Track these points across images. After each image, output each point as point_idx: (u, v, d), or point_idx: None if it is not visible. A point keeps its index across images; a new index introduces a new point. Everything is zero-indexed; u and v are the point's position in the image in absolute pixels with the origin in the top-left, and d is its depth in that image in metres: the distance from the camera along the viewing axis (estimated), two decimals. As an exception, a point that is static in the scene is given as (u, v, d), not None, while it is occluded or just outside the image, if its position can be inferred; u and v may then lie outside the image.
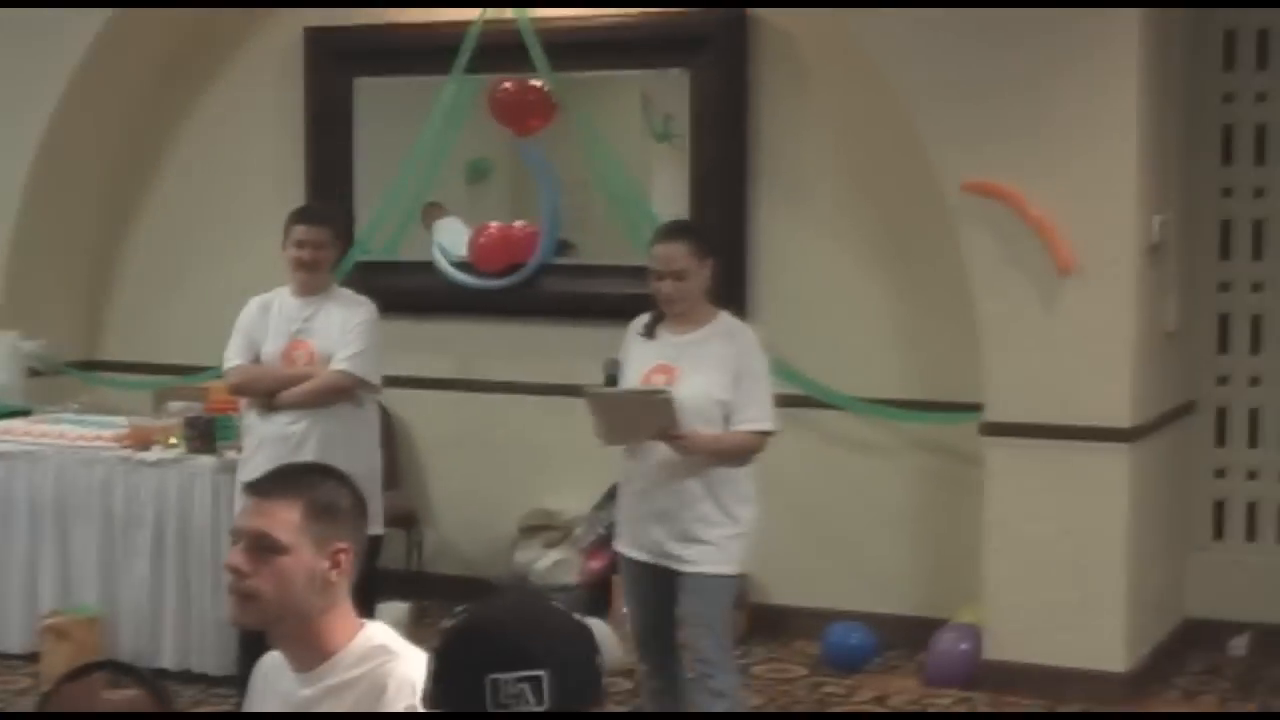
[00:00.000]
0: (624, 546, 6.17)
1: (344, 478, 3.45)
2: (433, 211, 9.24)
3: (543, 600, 2.72)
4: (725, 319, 6.13)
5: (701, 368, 5.96)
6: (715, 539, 5.96)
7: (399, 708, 3.26)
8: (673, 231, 6.25)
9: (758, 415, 5.98)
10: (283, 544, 3.26)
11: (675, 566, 5.98)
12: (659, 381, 5.94)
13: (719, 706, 5.97)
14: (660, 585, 6.03)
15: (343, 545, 3.32)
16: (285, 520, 3.27)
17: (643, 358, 6.06)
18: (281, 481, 3.38)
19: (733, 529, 5.98)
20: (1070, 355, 7.41)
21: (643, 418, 5.90)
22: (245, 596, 3.27)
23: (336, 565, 3.31)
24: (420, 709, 3.10)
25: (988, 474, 7.59)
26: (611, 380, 6.11)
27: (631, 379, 6.04)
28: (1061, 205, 7.33)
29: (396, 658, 3.34)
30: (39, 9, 9.02)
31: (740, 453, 6.01)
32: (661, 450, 5.92)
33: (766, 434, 6.03)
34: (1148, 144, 7.44)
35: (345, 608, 3.38)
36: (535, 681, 2.41)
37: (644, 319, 6.15)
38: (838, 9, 7.78)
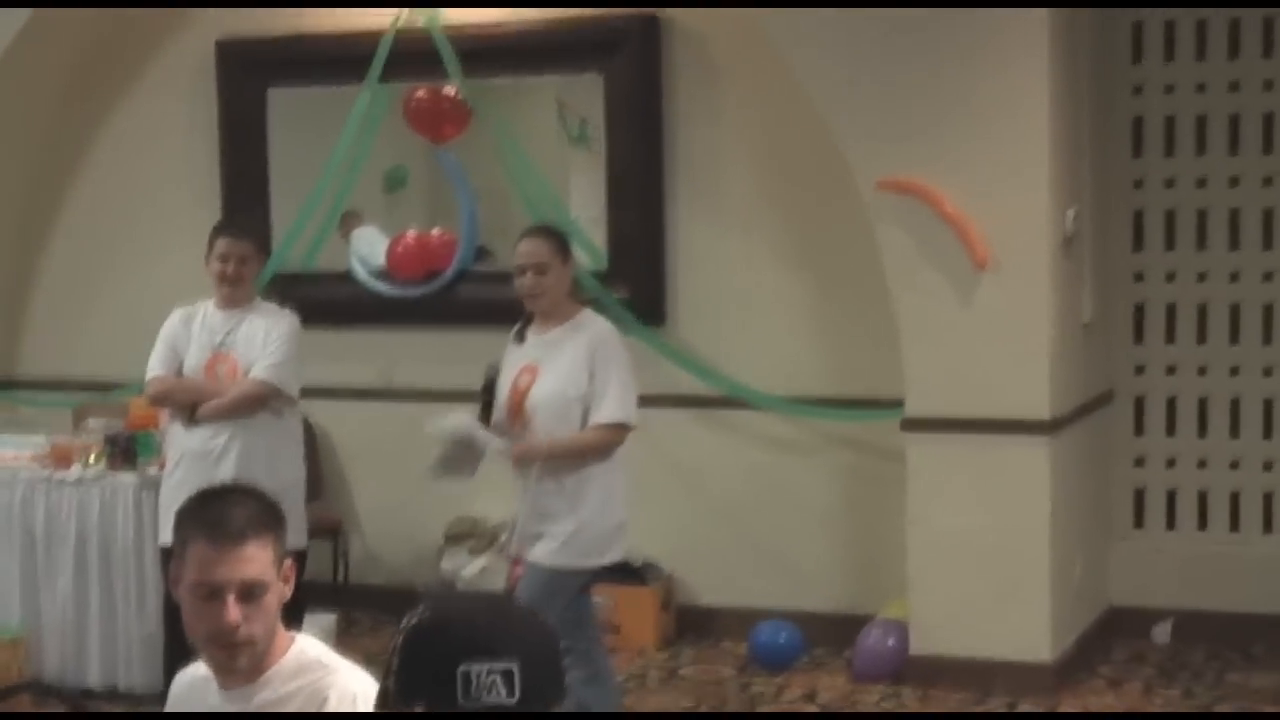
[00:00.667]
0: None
1: (266, 492, 3.44)
2: (350, 220, 9.21)
3: (502, 598, 2.71)
4: (584, 314, 6.31)
5: (558, 365, 6.14)
6: (556, 533, 6.12)
7: None
8: (535, 230, 6.52)
9: (610, 409, 6.11)
10: (266, 584, 3.24)
11: (540, 561, 6.19)
12: (525, 381, 6.13)
13: None
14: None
15: (288, 559, 3.32)
16: (263, 560, 3.25)
17: (513, 361, 6.25)
18: (246, 523, 3.28)
19: (573, 524, 6.13)
20: (988, 349, 7.45)
21: (465, 454, 6.21)
22: (242, 645, 3.25)
23: (288, 580, 3.32)
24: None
25: (909, 469, 7.63)
26: (490, 383, 6.24)
27: (503, 383, 6.22)
28: (975, 200, 7.37)
29: (334, 671, 3.32)
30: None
31: (590, 449, 6.15)
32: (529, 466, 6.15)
33: (621, 427, 6.16)
34: (1059, 137, 7.49)
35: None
36: (507, 674, 2.37)
37: (517, 326, 6.36)
38: (749, 9, 7.80)
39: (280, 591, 3.28)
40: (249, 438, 6.88)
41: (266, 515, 3.32)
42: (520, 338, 6.29)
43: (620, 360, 6.20)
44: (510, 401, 6.20)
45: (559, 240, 6.32)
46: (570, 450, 6.11)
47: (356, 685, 3.29)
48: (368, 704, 3.12)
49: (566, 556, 6.14)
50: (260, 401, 6.91)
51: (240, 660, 3.26)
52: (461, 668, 2.36)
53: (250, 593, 3.22)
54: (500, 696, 2.36)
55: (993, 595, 7.48)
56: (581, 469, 6.13)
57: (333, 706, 3.25)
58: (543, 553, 6.15)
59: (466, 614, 2.51)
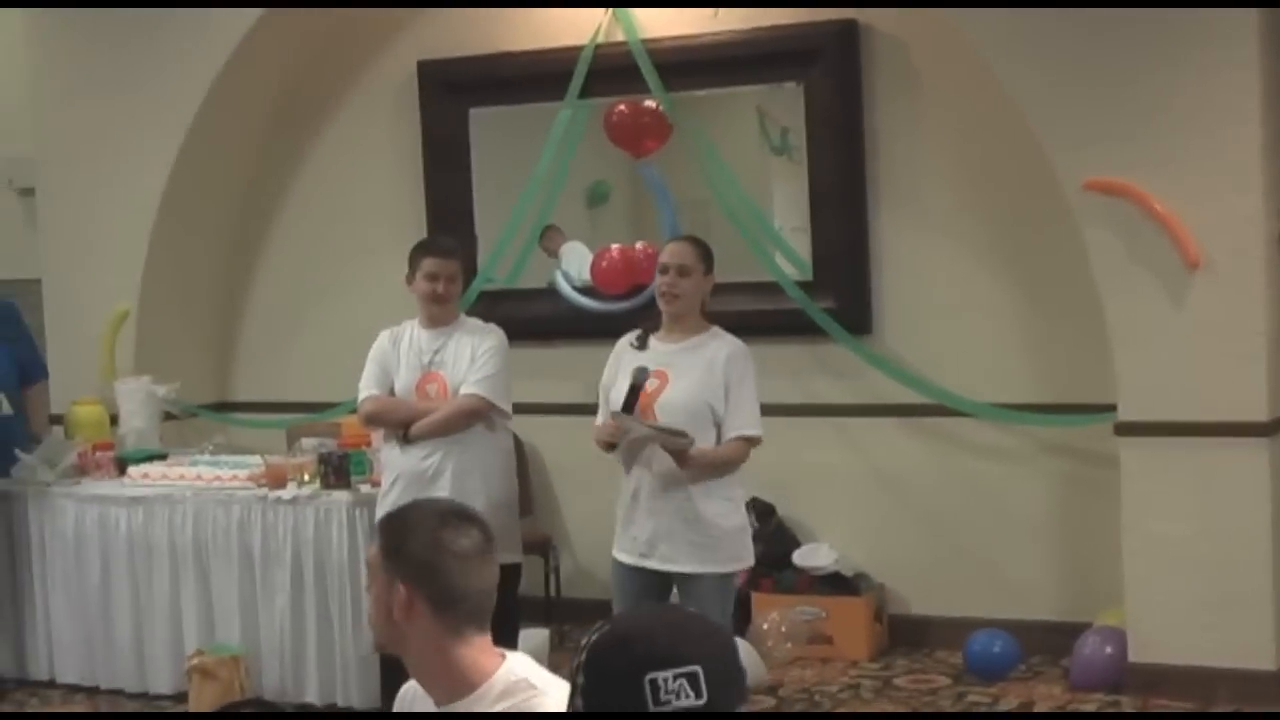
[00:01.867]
0: (618, 551, 6.41)
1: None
2: (552, 235, 9.27)
3: (675, 607, 2.78)
4: (716, 331, 6.41)
5: (693, 372, 6.23)
6: (710, 540, 6.20)
7: None
8: (684, 237, 6.70)
9: (744, 423, 6.24)
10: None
11: (669, 568, 6.24)
12: (652, 386, 6.20)
13: None
14: (651, 588, 6.26)
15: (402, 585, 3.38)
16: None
17: (632, 366, 6.27)
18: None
19: (723, 529, 6.24)
20: (1202, 351, 7.31)
21: (655, 446, 6.18)
22: None
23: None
24: None
25: (1124, 474, 7.51)
26: (636, 387, 6.22)
27: (622, 387, 6.23)
28: (1185, 198, 7.24)
29: (541, 693, 3.32)
30: (154, 67, 9.18)
31: (732, 464, 6.29)
32: (661, 460, 6.18)
33: (753, 440, 6.28)
34: (1272, 132, 7.33)
35: (484, 642, 3.38)
36: (693, 676, 2.48)
37: (635, 332, 6.47)
38: (947, 9, 7.73)
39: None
40: (462, 456, 6.95)
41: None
42: (642, 344, 6.36)
43: (753, 376, 6.33)
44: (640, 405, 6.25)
45: (705, 250, 6.43)
46: (716, 461, 6.22)
47: (558, 703, 3.29)
48: None
49: (724, 561, 6.26)
50: (475, 415, 6.98)
51: None
52: (649, 676, 2.48)
53: None
54: (690, 699, 2.48)
55: (1213, 602, 7.34)
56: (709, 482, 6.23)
57: None
58: (704, 560, 6.21)
59: (645, 627, 2.60)
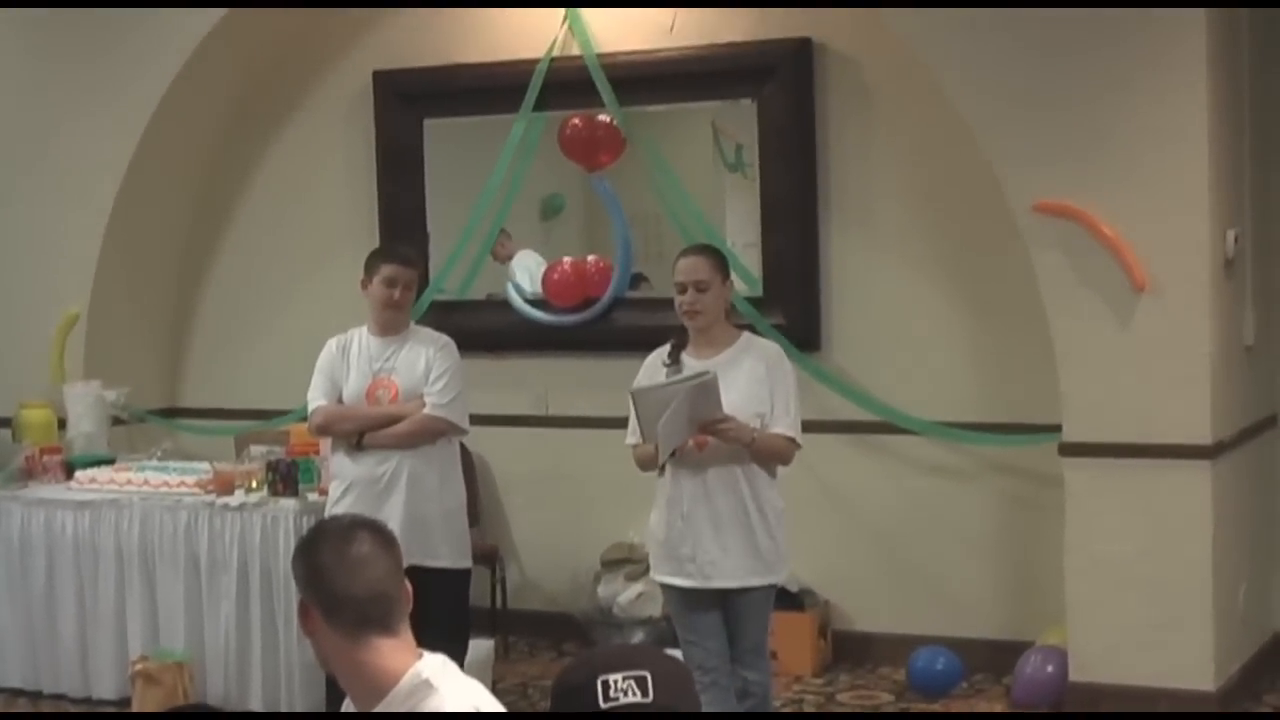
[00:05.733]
0: (667, 575, 6.28)
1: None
2: (503, 242, 9.27)
3: (645, 648, 2.96)
4: (749, 337, 6.35)
5: (738, 383, 6.12)
6: (760, 552, 6.16)
7: None
8: (695, 248, 6.51)
9: (787, 425, 6.18)
10: None
11: (727, 584, 6.15)
12: None
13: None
14: (715, 606, 6.18)
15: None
16: None
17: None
18: None
19: (767, 538, 6.18)
20: (1148, 373, 7.36)
21: (689, 408, 5.99)
22: None
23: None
24: None
25: (1068, 494, 7.54)
26: (677, 348, 6.21)
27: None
28: (1133, 221, 7.29)
29: (434, 692, 3.31)
30: (110, 69, 9.17)
31: (776, 454, 6.22)
32: (703, 473, 6.11)
33: (795, 444, 6.22)
34: (1219, 155, 7.39)
35: (391, 646, 3.40)
36: (641, 679, 2.64)
37: (664, 349, 6.32)
38: (902, 29, 7.78)
39: None
40: (417, 464, 6.97)
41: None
42: (674, 359, 6.24)
43: (793, 380, 6.28)
44: None
45: (718, 258, 6.33)
46: (769, 446, 6.15)
47: (449, 705, 3.29)
48: None
49: (771, 572, 6.24)
50: (436, 435, 7.03)
51: None
52: (600, 678, 2.65)
53: None
54: (636, 697, 2.64)
55: (1154, 622, 7.38)
56: (764, 492, 6.18)
57: None
58: (753, 572, 6.17)
59: (606, 649, 2.91)
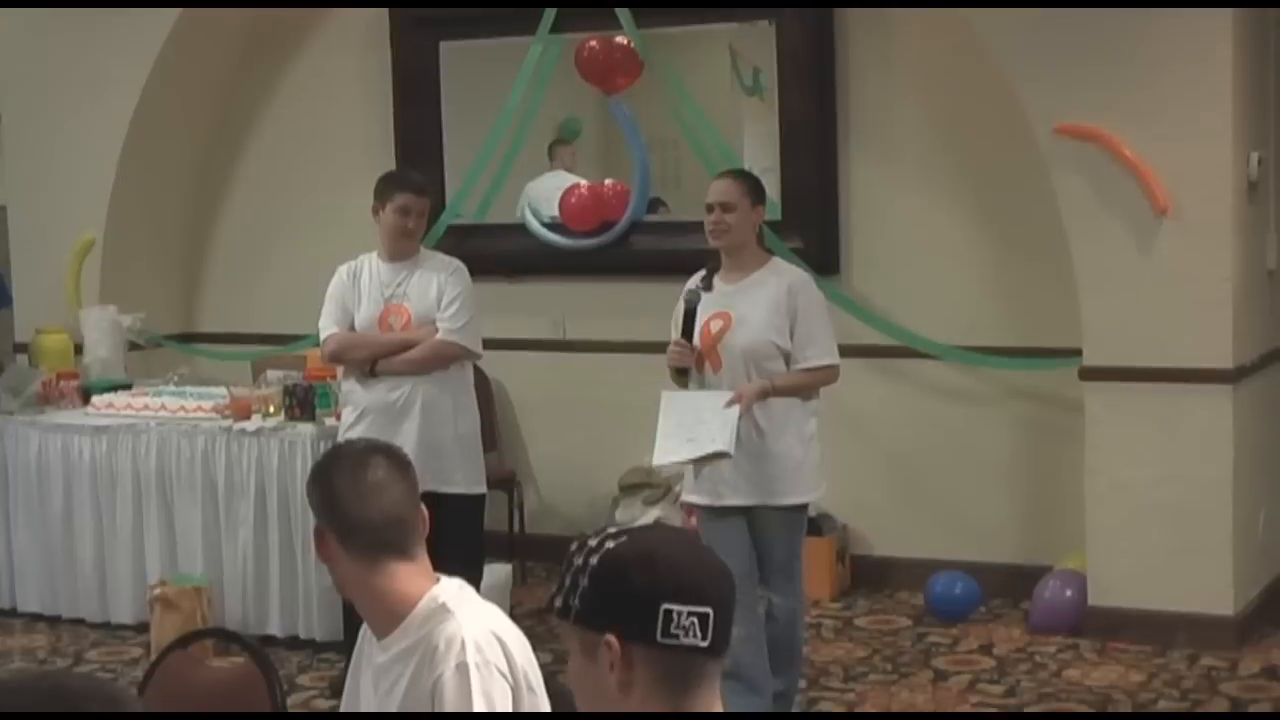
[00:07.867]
0: (691, 494, 6.36)
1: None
2: (560, 150, 9.38)
3: (697, 540, 2.80)
4: (777, 263, 6.40)
5: (757, 311, 6.18)
6: (773, 474, 6.20)
7: (449, 666, 3.25)
8: (728, 171, 6.65)
9: (818, 353, 6.22)
10: None
11: (758, 502, 6.21)
12: (717, 326, 6.17)
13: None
14: (737, 524, 6.22)
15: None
16: None
17: (701, 309, 6.21)
18: None
19: (793, 461, 6.24)
20: (1169, 297, 7.32)
21: (714, 416, 6.11)
22: None
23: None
24: (468, 661, 3.14)
25: (1088, 419, 7.52)
26: (691, 312, 6.20)
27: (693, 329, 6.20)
28: (1156, 145, 7.24)
29: (450, 616, 3.33)
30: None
31: (808, 387, 6.29)
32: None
33: (834, 368, 6.30)
34: (1242, 78, 7.32)
35: (408, 570, 3.38)
36: (704, 618, 2.50)
37: (699, 275, 6.36)
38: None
39: None
40: (431, 390, 6.95)
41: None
42: (707, 285, 6.28)
43: (821, 304, 6.31)
44: (702, 346, 6.21)
45: (750, 183, 6.39)
46: (793, 388, 6.20)
47: (467, 630, 3.29)
48: (477, 649, 3.19)
49: (802, 491, 6.29)
50: (449, 360, 7.00)
51: None
52: (664, 605, 2.48)
53: None
54: (695, 639, 2.49)
55: (1173, 547, 7.37)
56: (778, 411, 6.19)
57: (440, 653, 3.29)
58: (767, 493, 6.21)
59: (671, 554, 2.56)
